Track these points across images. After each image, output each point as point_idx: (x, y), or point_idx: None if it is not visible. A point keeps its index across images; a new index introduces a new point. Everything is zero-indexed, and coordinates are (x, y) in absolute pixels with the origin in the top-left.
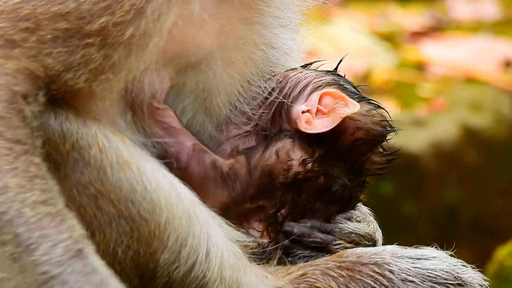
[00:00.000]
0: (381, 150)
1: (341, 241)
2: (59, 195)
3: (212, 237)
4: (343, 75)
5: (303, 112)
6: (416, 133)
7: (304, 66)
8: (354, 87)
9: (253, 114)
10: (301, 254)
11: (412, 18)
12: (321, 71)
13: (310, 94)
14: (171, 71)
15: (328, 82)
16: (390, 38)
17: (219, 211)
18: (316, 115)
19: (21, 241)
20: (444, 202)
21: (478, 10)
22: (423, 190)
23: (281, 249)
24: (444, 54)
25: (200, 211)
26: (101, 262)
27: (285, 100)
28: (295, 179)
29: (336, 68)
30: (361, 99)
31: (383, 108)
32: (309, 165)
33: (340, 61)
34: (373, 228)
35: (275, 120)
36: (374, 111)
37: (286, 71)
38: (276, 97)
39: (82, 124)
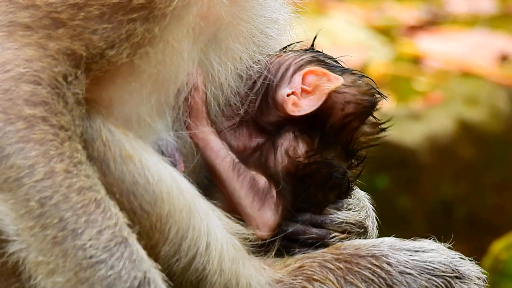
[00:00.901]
0: (371, 120)
1: (336, 233)
2: (100, 182)
3: (212, 230)
4: (321, 50)
5: (288, 95)
6: (412, 127)
7: (283, 49)
8: (335, 61)
9: (242, 104)
10: (298, 251)
11: (408, 12)
12: (299, 50)
13: (292, 75)
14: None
15: (308, 60)
16: (386, 32)
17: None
18: (301, 96)
19: (65, 225)
20: (440, 196)
21: (474, 4)
22: (419, 184)
23: (279, 244)
24: (440, 48)
25: (200, 204)
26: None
27: (269, 84)
28: (305, 173)
29: (312, 45)
30: (343, 71)
31: (367, 77)
32: (313, 157)
33: (314, 38)
34: (364, 214)
35: (263, 108)
36: (360, 81)
37: (267, 56)
38: (260, 85)
39: (87, 117)
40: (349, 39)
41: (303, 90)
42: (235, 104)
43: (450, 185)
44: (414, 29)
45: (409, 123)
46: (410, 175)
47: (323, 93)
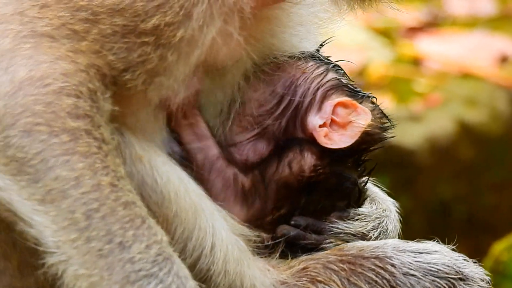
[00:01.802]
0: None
1: (333, 241)
2: (139, 198)
3: (217, 231)
4: (338, 65)
5: (320, 127)
6: (411, 128)
7: (302, 56)
8: (347, 77)
9: (264, 119)
10: (297, 254)
11: (408, 14)
12: (318, 63)
13: (321, 102)
14: (205, 77)
15: (333, 85)
16: (386, 33)
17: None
18: (332, 128)
19: (112, 238)
20: (439, 197)
21: (474, 6)
22: (418, 185)
23: (281, 248)
24: (440, 50)
25: (207, 205)
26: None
27: (297, 105)
28: (308, 184)
29: (318, 50)
30: (362, 96)
31: (373, 97)
32: (321, 170)
33: (322, 44)
34: (373, 226)
35: (289, 129)
36: (375, 111)
37: (287, 65)
38: (287, 104)
39: None
40: (349, 40)
41: (333, 121)
42: (258, 116)
43: (450, 186)
44: (414, 30)
45: (409, 124)
46: (409, 176)
47: (357, 131)
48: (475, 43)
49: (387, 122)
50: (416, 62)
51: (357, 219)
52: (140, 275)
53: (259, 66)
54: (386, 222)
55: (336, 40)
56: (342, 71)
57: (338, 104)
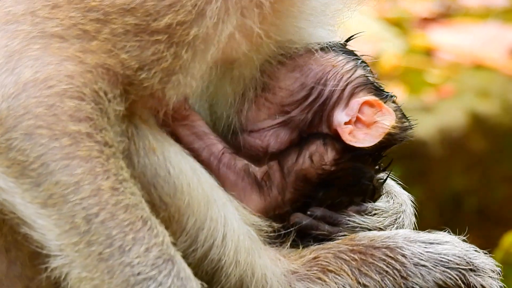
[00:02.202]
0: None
1: (347, 234)
2: (144, 200)
3: (229, 221)
4: (364, 61)
5: (345, 124)
6: (423, 119)
7: (331, 48)
8: (373, 74)
9: (291, 109)
10: (308, 244)
11: (421, 4)
12: (348, 58)
13: (349, 99)
14: (211, 74)
15: (361, 82)
16: (399, 24)
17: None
18: (356, 125)
19: (112, 242)
20: (450, 188)
21: None
22: (430, 176)
23: (292, 236)
24: (453, 41)
25: (219, 195)
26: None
27: (326, 100)
28: (329, 178)
29: (347, 40)
30: (386, 96)
31: (395, 96)
32: (341, 165)
33: (349, 39)
34: (390, 222)
35: (314, 122)
36: (398, 112)
37: (318, 56)
38: (316, 97)
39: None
40: (362, 30)
41: (358, 119)
42: (285, 105)
43: (461, 177)
44: (426, 21)
45: (421, 115)
46: (421, 167)
47: (381, 132)
48: (488, 34)
49: (406, 122)
50: (428, 53)
51: (375, 214)
52: (140, 279)
53: (280, 56)
54: (403, 218)
55: (349, 30)
56: (369, 68)
57: (365, 103)
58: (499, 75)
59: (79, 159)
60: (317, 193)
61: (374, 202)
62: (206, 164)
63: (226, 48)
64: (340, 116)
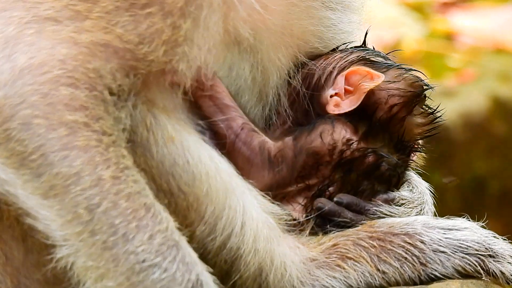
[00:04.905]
0: (422, 110)
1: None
2: (147, 187)
3: (247, 209)
4: (372, 47)
5: (331, 96)
6: (445, 104)
7: (332, 51)
8: (384, 57)
9: (289, 113)
10: (329, 230)
11: None
12: (347, 49)
13: (335, 77)
14: (229, 52)
15: (352, 61)
16: (419, 9)
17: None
18: (345, 96)
19: (115, 231)
20: (473, 172)
21: None
22: (452, 161)
23: (313, 222)
24: (473, 25)
25: (237, 184)
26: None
27: (314, 90)
28: (342, 159)
29: (364, 43)
30: (389, 67)
31: (415, 70)
32: (354, 144)
33: (366, 34)
34: (415, 212)
35: (309, 112)
36: (406, 75)
37: (314, 59)
38: (306, 90)
39: (133, 105)
40: (382, 16)
41: (346, 91)
42: (281, 113)
43: (483, 161)
44: (447, 5)
45: (442, 100)
46: (443, 152)
47: (362, 92)
48: (509, 18)
49: (421, 84)
50: (449, 37)
51: (402, 204)
52: (145, 266)
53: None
54: (426, 209)
55: (369, 15)
56: (375, 52)
57: (350, 73)
58: None
59: (77, 149)
60: (333, 175)
61: (398, 189)
62: (223, 137)
63: (231, 19)
64: (327, 92)
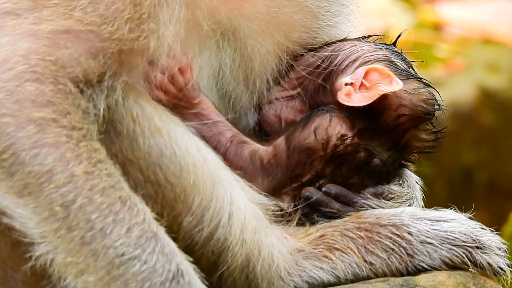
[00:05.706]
0: (428, 127)
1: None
2: (122, 179)
3: (235, 200)
4: (400, 51)
5: (346, 84)
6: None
7: (363, 38)
8: (408, 64)
9: (304, 81)
10: (316, 220)
11: None
12: (376, 44)
13: (357, 67)
14: (208, 39)
15: (379, 58)
16: None
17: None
18: (359, 89)
19: (92, 226)
20: (460, 163)
21: None
22: (440, 151)
23: (301, 211)
24: (462, 15)
25: (225, 174)
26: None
27: (333, 70)
28: (335, 153)
29: (394, 43)
30: (409, 77)
31: (433, 88)
32: (348, 140)
33: (399, 36)
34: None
35: (319, 89)
36: (422, 89)
37: (342, 41)
38: (325, 67)
39: (122, 95)
40: (370, 5)
41: (362, 85)
42: (293, 78)
43: (471, 152)
44: None
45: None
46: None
47: (377, 93)
48: (497, 8)
49: (434, 103)
50: (437, 27)
51: (391, 198)
52: (124, 259)
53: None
54: (415, 204)
55: (357, 5)
56: (402, 57)
57: (373, 69)
58: (508, 49)
59: (48, 146)
60: (325, 168)
61: (388, 184)
62: (214, 151)
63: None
64: (344, 79)
